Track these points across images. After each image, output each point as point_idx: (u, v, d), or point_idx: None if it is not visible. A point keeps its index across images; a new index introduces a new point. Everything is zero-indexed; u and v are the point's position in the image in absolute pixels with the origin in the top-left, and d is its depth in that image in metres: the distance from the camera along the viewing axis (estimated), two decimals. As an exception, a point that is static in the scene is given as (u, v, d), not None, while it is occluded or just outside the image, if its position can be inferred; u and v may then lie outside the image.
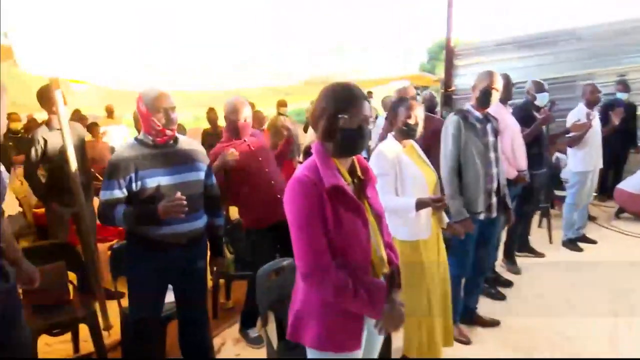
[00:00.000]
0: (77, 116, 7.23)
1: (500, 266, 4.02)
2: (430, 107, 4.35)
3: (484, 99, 2.71)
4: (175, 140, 2.19)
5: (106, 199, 2.04)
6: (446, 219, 2.45)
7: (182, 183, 2.12)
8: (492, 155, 2.74)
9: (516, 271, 4.01)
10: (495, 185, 2.78)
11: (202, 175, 2.25)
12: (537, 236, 4.71)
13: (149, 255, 2.14)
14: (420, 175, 2.25)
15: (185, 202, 1.99)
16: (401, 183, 2.20)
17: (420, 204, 2.13)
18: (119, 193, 2.04)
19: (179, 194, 2.00)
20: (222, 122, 6.26)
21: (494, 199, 2.80)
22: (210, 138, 6.04)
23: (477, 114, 2.75)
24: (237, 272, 3.32)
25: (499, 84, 2.70)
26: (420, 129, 2.29)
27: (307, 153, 1.49)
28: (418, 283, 2.24)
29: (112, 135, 7.12)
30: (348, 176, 1.46)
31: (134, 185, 2.04)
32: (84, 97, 5.50)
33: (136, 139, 2.14)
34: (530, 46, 7.52)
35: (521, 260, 4.20)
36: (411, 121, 2.26)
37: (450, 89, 7.59)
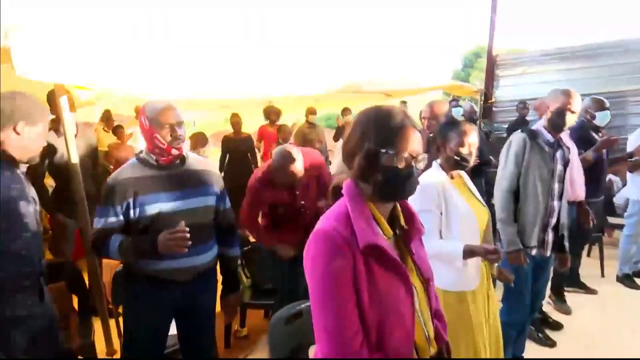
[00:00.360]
0: (105, 117, 7.15)
1: (547, 303, 3.57)
2: (470, 120, 4.04)
3: (557, 121, 2.35)
4: (183, 159, 1.88)
5: (100, 227, 1.76)
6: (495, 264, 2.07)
7: (188, 210, 1.82)
8: (556, 185, 2.38)
9: (566, 310, 3.55)
10: (554, 220, 2.39)
11: (212, 200, 1.93)
12: (585, 267, 4.20)
13: (147, 290, 1.85)
14: (469, 213, 1.85)
15: (188, 235, 1.68)
16: (447, 222, 1.82)
17: (469, 252, 1.75)
18: (115, 221, 1.76)
19: (182, 224, 1.69)
20: (245, 128, 6.05)
21: (550, 236, 2.42)
22: (231, 144, 5.79)
23: (549, 137, 2.39)
24: (253, 300, 2.99)
25: (576, 105, 2.32)
26: (474, 159, 1.91)
27: (337, 194, 1.14)
28: (465, 339, 1.86)
29: (140, 137, 6.95)
30: (388, 228, 1.11)
31: (131, 212, 1.75)
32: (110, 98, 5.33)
33: (138, 157, 1.84)
34: (576, 58, 6.96)
35: (571, 297, 3.73)
36: (464, 150, 1.86)
37: (490, 101, 7.10)
